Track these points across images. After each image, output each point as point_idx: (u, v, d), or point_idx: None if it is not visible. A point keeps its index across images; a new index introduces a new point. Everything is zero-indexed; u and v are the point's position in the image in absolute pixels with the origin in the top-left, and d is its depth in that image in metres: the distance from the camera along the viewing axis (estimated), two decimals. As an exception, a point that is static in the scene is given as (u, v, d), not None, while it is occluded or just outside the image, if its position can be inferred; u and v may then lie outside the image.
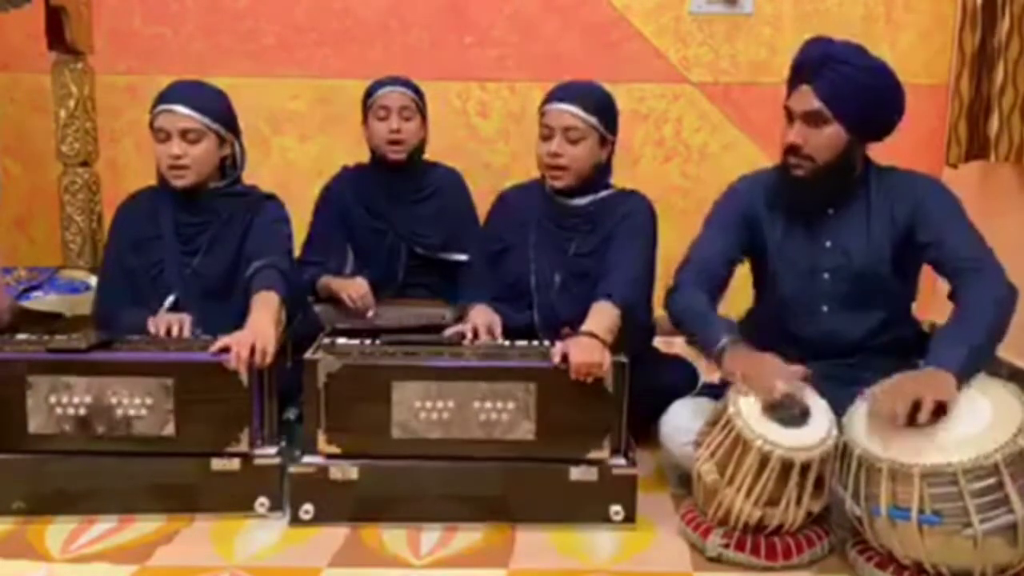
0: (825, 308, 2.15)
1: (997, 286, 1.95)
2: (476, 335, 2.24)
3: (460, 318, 2.42)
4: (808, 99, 2.02)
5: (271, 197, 2.43)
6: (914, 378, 1.82)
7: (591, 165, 2.39)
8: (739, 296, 2.30)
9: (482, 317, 2.32)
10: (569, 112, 2.34)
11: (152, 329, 2.18)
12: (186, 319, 2.21)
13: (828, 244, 2.12)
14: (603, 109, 2.39)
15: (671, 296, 2.17)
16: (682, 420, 2.10)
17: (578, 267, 2.41)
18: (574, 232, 2.44)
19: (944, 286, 2.04)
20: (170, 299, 2.30)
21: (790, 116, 2.07)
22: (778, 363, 1.92)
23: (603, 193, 2.45)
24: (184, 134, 2.26)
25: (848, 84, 2.01)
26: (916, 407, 1.74)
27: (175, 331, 2.17)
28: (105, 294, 2.41)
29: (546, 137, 2.37)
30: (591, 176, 2.41)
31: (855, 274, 2.11)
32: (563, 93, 2.39)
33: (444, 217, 2.97)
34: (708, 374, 2.43)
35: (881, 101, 2.06)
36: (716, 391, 2.15)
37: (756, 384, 1.88)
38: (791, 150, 2.06)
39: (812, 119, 2.03)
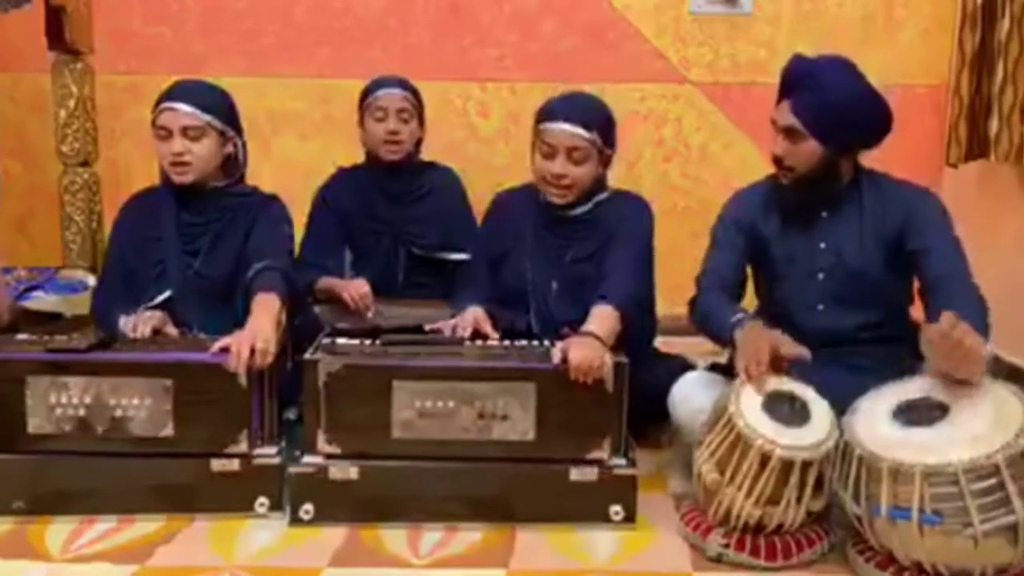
0: (821, 307, 2.19)
1: (974, 299, 2.00)
2: (475, 333, 2.24)
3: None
4: (785, 115, 2.11)
5: (273, 198, 2.43)
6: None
7: (592, 180, 2.39)
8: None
9: (471, 315, 2.31)
10: (573, 133, 2.31)
11: (125, 329, 2.18)
12: (158, 316, 2.21)
13: (823, 245, 2.18)
14: (604, 125, 2.38)
15: (694, 304, 2.22)
16: (692, 389, 2.14)
17: (576, 273, 2.41)
18: (571, 239, 2.44)
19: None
20: (160, 297, 2.30)
21: (775, 128, 2.14)
22: (781, 337, 1.95)
23: (598, 197, 2.44)
24: (186, 131, 2.26)
25: (821, 105, 2.07)
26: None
27: (146, 330, 2.17)
28: (101, 293, 2.41)
29: (547, 155, 2.34)
30: (589, 188, 2.41)
31: (848, 274, 2.16)
32: (564, 111, 2.34)
33: (441, 217, 2.97)
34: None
35: (856, 120, 2.10)
36: (724, 370, 2.19)
37: (740, 366, 1.91)
38: (775, 160, 2.16)
39: (789, 134, 2.11)
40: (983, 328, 1.91)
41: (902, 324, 2.22)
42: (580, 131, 2.31)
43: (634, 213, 2.42)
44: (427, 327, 2.27)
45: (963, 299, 1.96)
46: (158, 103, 2.30)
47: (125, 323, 2.21)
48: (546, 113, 2.36)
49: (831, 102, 2.06)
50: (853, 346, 2.16)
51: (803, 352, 1.93)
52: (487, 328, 2.28)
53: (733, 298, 2.19)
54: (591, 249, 2.41)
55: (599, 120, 2.37)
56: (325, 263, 2.90)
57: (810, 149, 2.10)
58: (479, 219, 2.72)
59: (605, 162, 2.41)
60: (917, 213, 2.12)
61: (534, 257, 2.45)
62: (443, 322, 2.30)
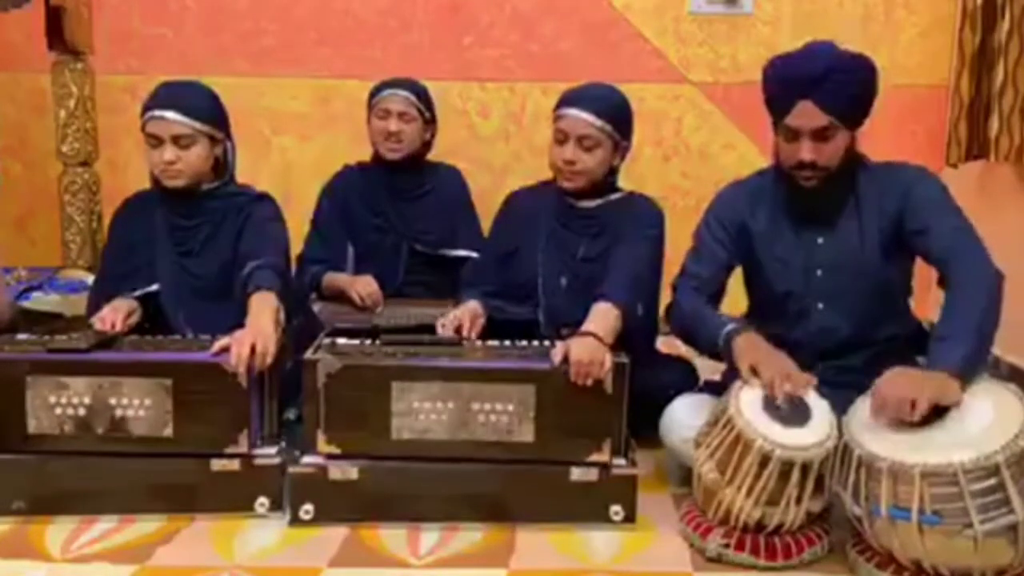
0: (820, 305, 2.15)
1: (984, 272, 1.94)
2: (459, 329, 2.25)
3: None
4: (814, 116, 2.00)
5: (265, 196, 2.41)
6: (914, 377, 1.82)
7: (605, 170, 2.40)
8: (737, 301, 2.29)
9: (467, 311, 2.33)
10: (584, 120, 2.33)
11: (98, 325, 2.17)
12: (124, 306, 2.21)
13: (820, 241, 2.13)
14: (618, 115, 2.39)
15: (671, 310, 2.22)
16: (683, 415, 2.12)
17: (585, 271, 2.41)
18: (583, 235, 2.45)
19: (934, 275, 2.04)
20: (143, 290, 2.29)
21: (794, 134, 2.03)
22: (790, 362, 1.95)
23: (613, 196, 2.45)
24: (177, 140, 2.23)
25: (847, 89, 2.01)
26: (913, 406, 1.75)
27: (117, 324, 2.16)
28: (97, 296, 2.39)
29: (560, 142, 2.36)
30: (603, 179, 2.42)
31: (849, 269, 2.11)
32: (578, 98, 2.38)
33: (444, 214, 2.99)
34: (709, 373, 2.43)
35: (870, 89, 2.06)
36: (717, 388, 2.16)
37: (766, 376, 1.90)
38: (805, 167, 2.04)
39: (821, 134, 2.01)
40: (988, 319, 1.89)
41: (904, 321, 2.21)
42: (592, 118, 2.33)
43: (645, 215, 2.42)
44: (439, 326, 2.27)
45: (972, 280, 1.92)
46: (145, 110, 2.26)
47: (95, 319, 2.20)
48: (562, 100, 2.40)
49: (853, 82, 2.02)
50: (857, 355, 2.12)
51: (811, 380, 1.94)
52: (469, 327, 2.28)
53: (712, 303, 2.17)
54: (601, 248, 2.41)
55: (613, 110, 2.38)
56: (329, 259, 2.91)
57: (841, 140, 2.03)
58: (486, 217, 2.72)
59: (620, 153, 2.43)
60: (914, 194, 2.06)
61: (546, 251, 2.46)
62: (442, 320, 2.30)
